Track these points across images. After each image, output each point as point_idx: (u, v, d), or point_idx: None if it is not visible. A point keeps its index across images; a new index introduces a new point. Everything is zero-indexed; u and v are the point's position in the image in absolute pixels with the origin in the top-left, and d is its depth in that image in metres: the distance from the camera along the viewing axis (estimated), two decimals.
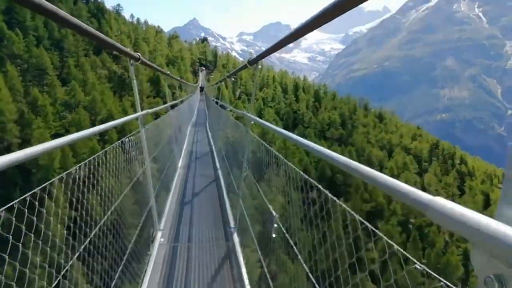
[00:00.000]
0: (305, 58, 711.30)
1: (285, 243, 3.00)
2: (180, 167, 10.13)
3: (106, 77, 47.44)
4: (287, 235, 2.96)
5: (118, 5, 73.49)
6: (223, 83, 23.19)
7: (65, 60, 44.83)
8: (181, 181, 8.98)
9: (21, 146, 29.99)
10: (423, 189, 36.12)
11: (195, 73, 73.80)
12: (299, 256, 2.59)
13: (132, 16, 78.32)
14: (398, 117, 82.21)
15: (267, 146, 3.71)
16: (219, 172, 9.55)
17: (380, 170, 1.30)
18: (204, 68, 78.09)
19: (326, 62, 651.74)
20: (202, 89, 41.97)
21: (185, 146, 13.70)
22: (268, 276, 3.96)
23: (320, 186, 2.12)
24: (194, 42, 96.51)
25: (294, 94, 66.92)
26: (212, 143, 14.27)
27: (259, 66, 4.13)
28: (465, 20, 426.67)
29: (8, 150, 20.02)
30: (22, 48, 40.90)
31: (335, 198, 1.93)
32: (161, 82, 48.03)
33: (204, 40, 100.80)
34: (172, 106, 11.91)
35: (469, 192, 52.46)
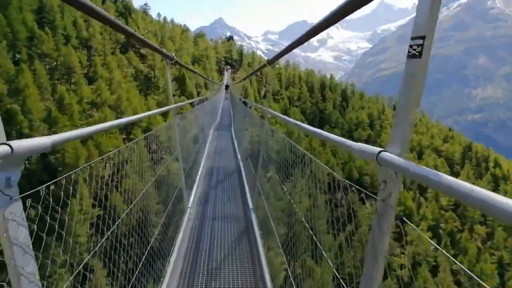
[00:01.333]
0: (330, 57, 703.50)
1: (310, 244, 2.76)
2: (190, 205, 6.51)
3: (132, 76, 47.70)
4: (311, 232, 2.73)
5: (145, 4, 74.45)
6: (251, 77, 22.31)
7: (92, 58, 45.29)
8: (190, 237, 5.50)
9: None
10: None
11: (221, 72, 73.76)
12: (325, 257, 2.39)
13: (158, 15, 78.97)
14: (428, 117, 79.62)
15: (295, 144, 3.44)
16: (252, 215, 6.21)
17: None
18: (229, 67, 78.00)
19: (352, 61, 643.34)
20: (227, 87, 42.70)
21: (203, 162, 10.52)
22: (291, 278, 3.39)
23: (350, 183, 1.99)
24: (219, 40, 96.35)
25: (321, 93, 65.63)
26: (240, 158, 11.26)
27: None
28: (500, 17, 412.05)
29: None
30: (51, 47, 41.55)
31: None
32: (187, 81, 47.94)
33: (230, 38, 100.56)
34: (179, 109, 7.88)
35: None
